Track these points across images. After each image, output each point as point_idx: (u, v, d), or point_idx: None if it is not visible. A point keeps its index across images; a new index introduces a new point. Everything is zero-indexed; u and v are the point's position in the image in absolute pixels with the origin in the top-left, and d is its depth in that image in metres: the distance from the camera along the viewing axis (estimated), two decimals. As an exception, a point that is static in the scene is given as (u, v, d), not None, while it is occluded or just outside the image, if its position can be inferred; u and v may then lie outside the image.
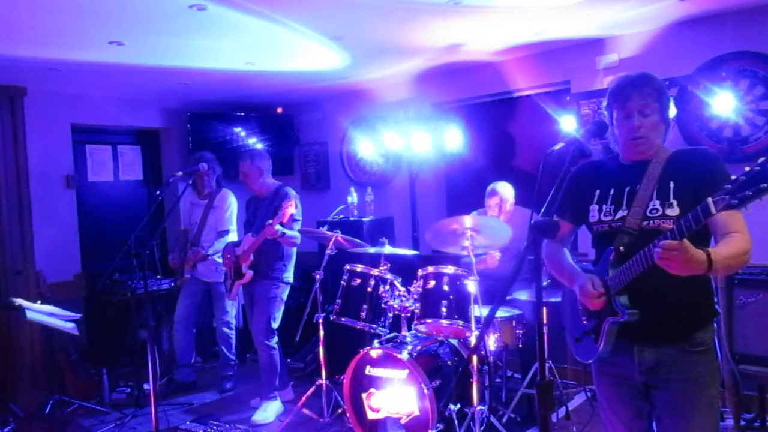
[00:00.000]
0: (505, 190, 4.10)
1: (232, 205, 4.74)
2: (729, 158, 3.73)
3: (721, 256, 1.70)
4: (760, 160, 1.46)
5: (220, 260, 4.53)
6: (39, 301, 4.21)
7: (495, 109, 5.19)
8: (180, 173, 4.16)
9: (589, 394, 3.92)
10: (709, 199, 1.54)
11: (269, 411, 4.14)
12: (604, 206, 2.01)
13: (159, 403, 3.38)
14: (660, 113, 1.95)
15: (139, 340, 4.65)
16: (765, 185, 1.43)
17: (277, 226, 3.88)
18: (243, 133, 6.12)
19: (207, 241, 4.67)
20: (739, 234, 1.80)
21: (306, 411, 3.91)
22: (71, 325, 3.88)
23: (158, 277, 5.29)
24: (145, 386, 4.33)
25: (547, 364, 1.58)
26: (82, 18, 3.29)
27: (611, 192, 2.01)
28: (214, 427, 3.48)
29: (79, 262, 5.28)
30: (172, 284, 5.21)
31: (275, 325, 4.20)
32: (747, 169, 1.47)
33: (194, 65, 4.48)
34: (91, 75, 4.60)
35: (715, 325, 1.96)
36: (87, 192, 5.62)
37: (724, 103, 3.71)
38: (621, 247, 1.90)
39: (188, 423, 3.65)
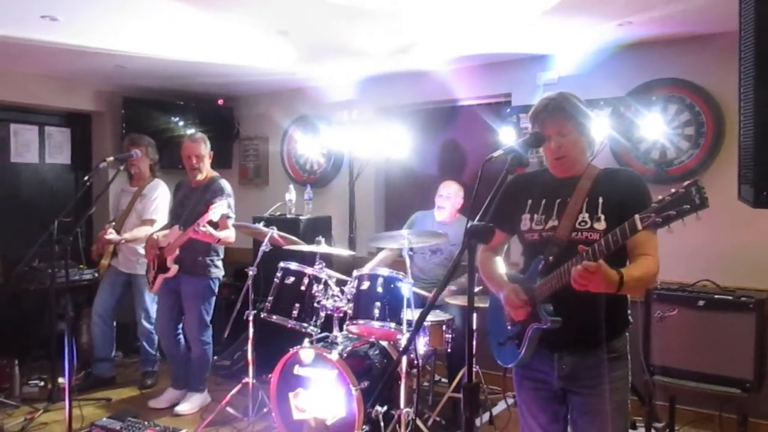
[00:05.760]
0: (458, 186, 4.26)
1: (161, 195, 4.54)
2: (655, 179, 3.92)
3: (632, 277, 1.81)
4: (685, 183, 1.56)
5: (142, 251, 4.35)
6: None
7: (438, 116, 5.25)
8: (111, 158, 3.99)
9: (511, 401, 4.02)
10: (636, 216, 1.64)
11: (194, 402, 4.06)
12: (535, 216, 2.08)
13: (74, 398, 3.23)
14: (579, 131, 2.03)
15: (57, 331, 4.41)
16: (687, 206, 1.54)
17: (209, 229, 3.75)
18: (181, 123, 5.94)
19: (129, 229, 4.47)
20: (650, 257, 1.92)
21: (230, 409, 3.82)
22: None
23: (81, 267, 5.05)
24: (60, 380, 4.12)
25: (474, 369, 1.61)
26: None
27: (543, 202, 2.08)
28: (132, 424, 3.34)
29: (-7, 246, 4.98)
30: (95, 275, 4.97)
31: (208, 318, 4.11)
32: (672, 190, 1.58)
33: (133, 49, 4.31)
34: (20, 50, 4.34)
35: (627, 334, 2.08)
36: (8, 173, 5.32)
37: (652, 127, 3.88)
38: (550, 257, 1.98)
39: (104, 419, 3.48)
